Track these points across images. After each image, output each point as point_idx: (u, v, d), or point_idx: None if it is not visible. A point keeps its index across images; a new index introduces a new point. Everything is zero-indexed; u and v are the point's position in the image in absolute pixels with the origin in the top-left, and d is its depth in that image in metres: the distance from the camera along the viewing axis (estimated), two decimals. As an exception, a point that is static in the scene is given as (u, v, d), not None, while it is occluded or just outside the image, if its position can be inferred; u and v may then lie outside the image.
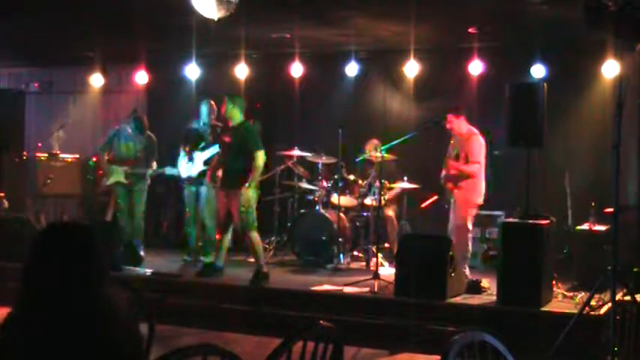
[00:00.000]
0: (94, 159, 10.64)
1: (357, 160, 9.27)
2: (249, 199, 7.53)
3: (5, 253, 8.24)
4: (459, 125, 7.56)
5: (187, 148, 8.81)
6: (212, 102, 8.94)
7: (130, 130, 8.96)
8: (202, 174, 8.59)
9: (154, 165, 8.97)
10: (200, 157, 8.67)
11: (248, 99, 8.19)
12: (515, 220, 7.13)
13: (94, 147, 10.32)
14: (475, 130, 7.59)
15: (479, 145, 7.48)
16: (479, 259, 8.83)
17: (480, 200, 7.54)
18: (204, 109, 8.89)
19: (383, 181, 8.25)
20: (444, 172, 7.68)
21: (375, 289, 7.25)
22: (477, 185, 7.48)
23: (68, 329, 2.17)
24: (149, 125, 9.12)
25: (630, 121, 6.58)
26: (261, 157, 7.56)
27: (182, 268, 8.65)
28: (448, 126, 7.59)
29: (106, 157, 9.02)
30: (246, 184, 7.46)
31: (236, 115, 7.74)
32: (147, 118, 9.26)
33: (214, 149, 8.45)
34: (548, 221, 6.80)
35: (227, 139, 7.82)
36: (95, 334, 2.20)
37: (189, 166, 8.76)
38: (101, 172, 9.20)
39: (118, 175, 8.90)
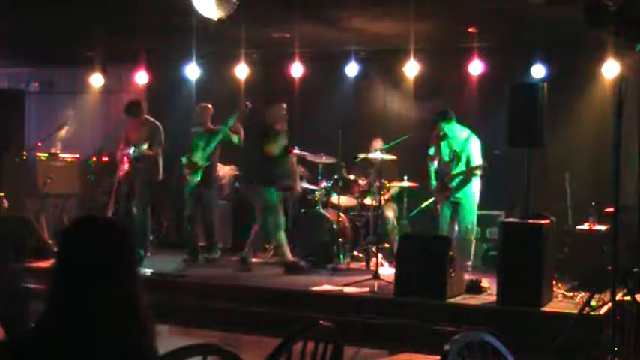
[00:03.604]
0: (94, 159, 10.67)
1: (356, 160, 9.23)
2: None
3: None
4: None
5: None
6: (209, 106, 9.00)
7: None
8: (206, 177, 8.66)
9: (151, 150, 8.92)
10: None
11: (248, 99, 8.22)
12: (515, 220, 7.12)
13: (95, 147, 10.33)
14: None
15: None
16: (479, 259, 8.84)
17: None
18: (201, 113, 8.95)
19: (383, 181, 8.23)
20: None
21: (375, 289, 7.24)
22: None
23: (103, 326, 2.15)
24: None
25: (630, 121, 6.58)
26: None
27: (182, 268, 8.65)
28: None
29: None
30: None
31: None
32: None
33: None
34: (548, 221, 6.79)
35: None
36: (126, 332, 2.18)
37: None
38: None
39: None
